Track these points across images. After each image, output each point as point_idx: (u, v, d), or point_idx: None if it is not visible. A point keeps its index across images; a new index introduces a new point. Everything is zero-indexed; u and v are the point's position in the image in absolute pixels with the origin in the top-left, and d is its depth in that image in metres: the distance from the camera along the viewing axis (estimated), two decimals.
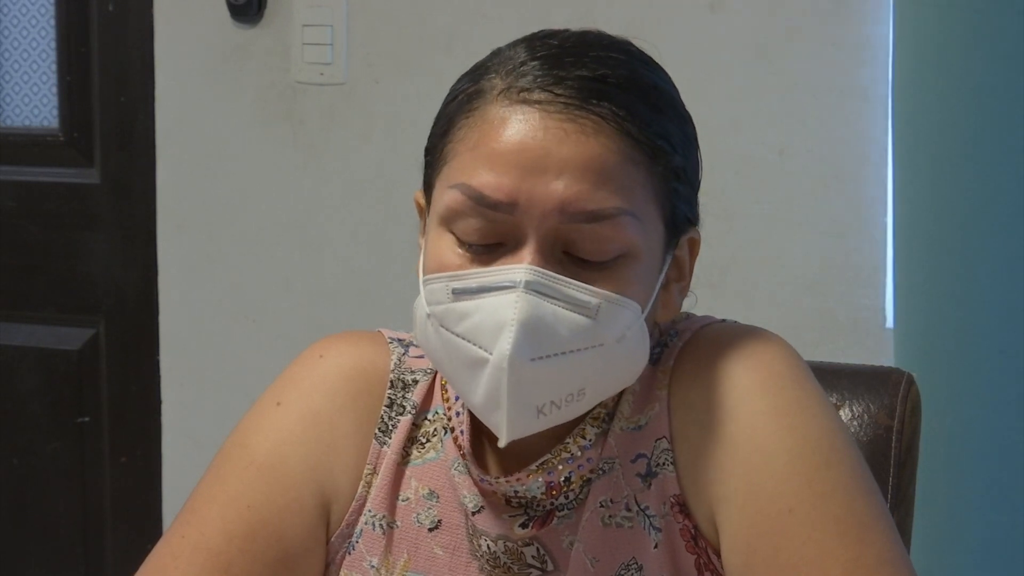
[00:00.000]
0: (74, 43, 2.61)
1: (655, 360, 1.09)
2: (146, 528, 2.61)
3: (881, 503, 1.01)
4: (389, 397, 1.14)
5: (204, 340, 2.54)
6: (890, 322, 2.06)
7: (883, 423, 1.29)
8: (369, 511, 1.11)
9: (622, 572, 1.05)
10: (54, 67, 2.66)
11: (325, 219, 2.43)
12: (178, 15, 2.50)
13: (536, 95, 1.01)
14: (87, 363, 2.67)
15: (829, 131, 2.11)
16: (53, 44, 2.65)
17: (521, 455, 1.07)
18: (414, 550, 1.10)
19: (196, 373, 2.56)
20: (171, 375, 2.58)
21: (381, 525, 1.11)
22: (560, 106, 1.00)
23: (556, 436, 1.06)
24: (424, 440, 1.13)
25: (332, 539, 1.11)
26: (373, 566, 1.10)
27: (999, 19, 1.74)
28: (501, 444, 1.00)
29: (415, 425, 1.14)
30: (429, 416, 1.14)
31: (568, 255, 1.01)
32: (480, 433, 1.09)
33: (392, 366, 1.15)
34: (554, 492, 1.07)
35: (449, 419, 1.12)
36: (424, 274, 1.05)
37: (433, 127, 1.08)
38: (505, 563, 1.07)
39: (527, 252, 1.00)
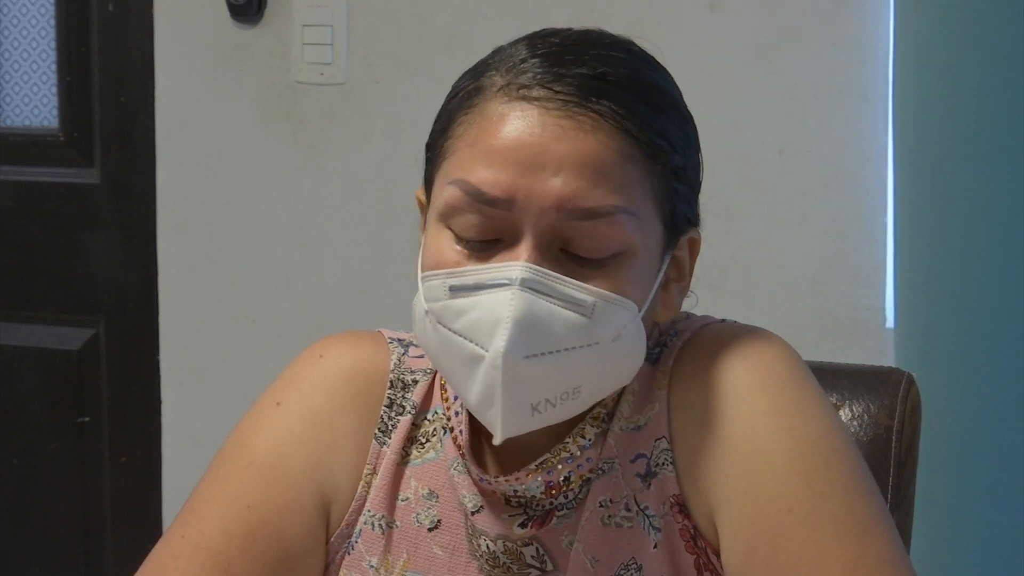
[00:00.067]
0: (74, 43, 2.61)
1: (655, 360, 1.09)
2: (146, 528, 2.61)
3: (881, 503, 1.01)
4: (389, 397, 1.14)
5: (204, 340, 2.54)
6: (890, 322, 2.06)
7: (883, 423, 1.29)
8: (369, 511, 1.11)
9: (621, 572, 1.05)
10: (54, 67, 2.66)
11: (325, 219, 2.43)
12: (178, 15, 2.50)
13: (535, 92, 1.01)
14: (87, 363, 2.67)
15: (829, 131, 2.11)
16: (53, 44, 2.65)
17: (520, 455, 1.07)
18: (413, 550, 1.10)
19: (196, 373, 2.56)
20: (171, 375, 2.58)
21: (380, 525, 1.11)
22: (559, 103, 1.00)
23: (556, 436, 1.06)
24: (424, 440, 1.13)
25: (332, 539, 1.11)
26: (372, 566, 1.10)
27: (999, 19, 1.74)
28: (496, 442, 1.01)
29: (415, 425, 1.14)
30: (429, 416, 1.14)
31: (565, 252, 1.01)
32: (479, 433, 1.08)
33: (392, 366, 1.15)
34: (553, 492, 1.07)
35: (448, 419, 1.12)
36: (422, 271, 1.05)
37: (434, 123, 1.08)
38: (504, 563, 1.07)
39: (523, 249, 1.00)
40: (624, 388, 1.08)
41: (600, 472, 1.07)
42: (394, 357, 1.16)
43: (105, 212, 2.61)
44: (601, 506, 1.06)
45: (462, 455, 1.10)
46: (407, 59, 2.35)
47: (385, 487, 1.12)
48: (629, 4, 2.19)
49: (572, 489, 1.07)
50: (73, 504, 2.70)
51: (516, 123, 1.00)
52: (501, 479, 1.07)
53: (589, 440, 1.07)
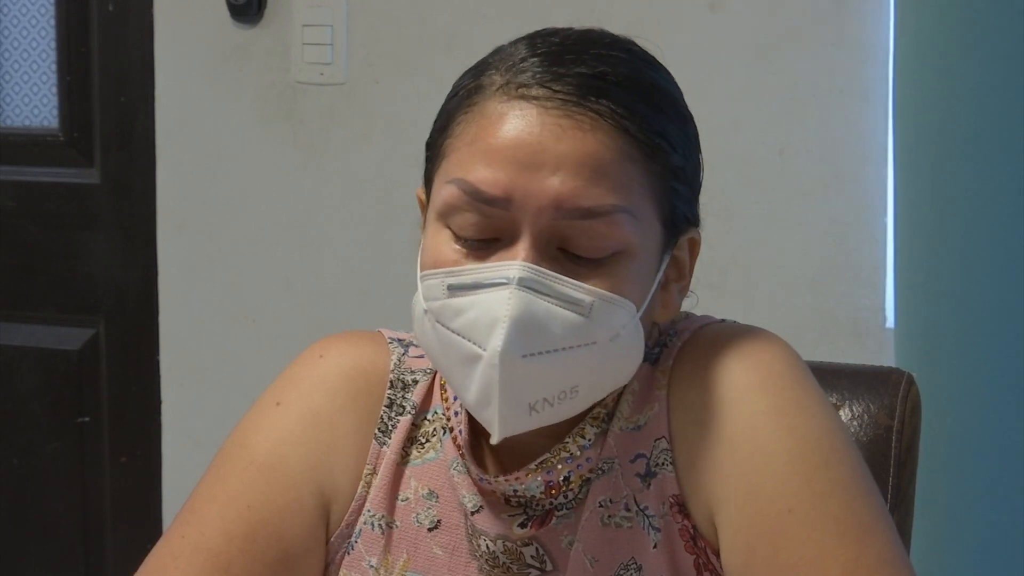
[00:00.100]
0: (74, 43, 2.61)
1: (654, 360, 1.09)
2: (146, 528, 2.61)
3: (880, 503, 1.01)
4: (389, 397, 1.14)
5: (204, 340, 2.54)
6: (890, 322, 2.06)
7: (883, 423, 1.29)
8: (368, 511, 1.11)
9: (621, 572, 1.05)
10: (54, 67, 2.66)
11: (325, 219, 2.43)
12: (178, 15, 2.50)
13: (534, 91, 1.01)
14: (87, 363, 2.67)
15: (829, 131, 2.11)
16: (53, 44, 2.65)
17: (520, 455, 1.07)
18: (413, 550, 1.10)
19: (196, 373, 2.56)
20: (171, 375, 2.58)
21: (380, 525, 1.11)
22: (558, 102, 1.00)
23: (555, 436, 1.06)
24: (424, 440, 1.13)
25: (332, 539, 1.11)
26: (372, 566, 1.10)
27: (999, 19, 1.74)
28: (493, 441, 1.01)
29: (415, 425, 1.14)
30: (429, 416, 1.14)
31: (563, 251, 1.01)
32: (479, 433, 1.08)
33: (392, 366, 1.15)
34: (553, 492, 1.07)
35: (448, 419, 1.12)
36: (421, 269, 1.05)
37: (434, 122, 1.09)
38: (504, 563, 1.07)
39: (521, 248, 1.00)
40: (624, 388, 1.08)
41: (600, 472, 1.07)
42: (394, 357, 1.16)
43: (105, 212, 2.62)
44: (601, 506, 1.06)
45: (462, 455, 1.10)
46: (407, 59, 2.35)
47: (385, 487, 1.12)
48: (629, 4, 2.19)
49: (572, 489, 1.07)
50: (73, 504, 2.70)
51: (515, 122, 1.01)
52: (501, 479, 1.07)
53: (589, 440, 1.07)
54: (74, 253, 2.64)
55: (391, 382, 1.15)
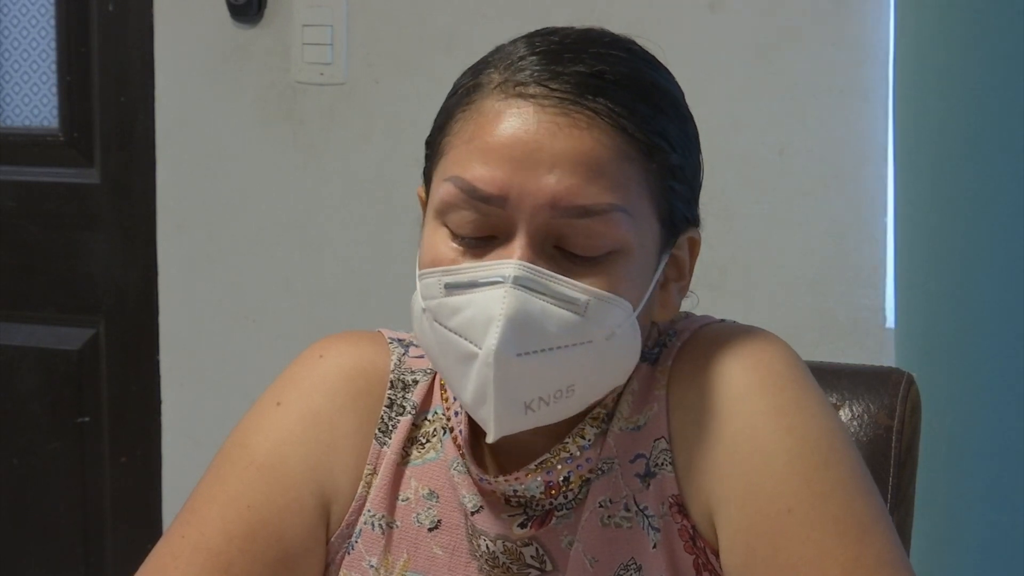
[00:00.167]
0: (74, 43, 2.61)
1: (654, 360, 1.09)
2: (146, 528, 2.61)
3: (880, 503, 1.01)
4: (389, 397, 1.14)
5: (204, 340, 2.54)
6: (890, 322, 2.06)
7: (883, 423, 1.29)
8: (369, 511, 1.11)
9: (621, 572, 1.05)
10: (54, 67, 2.66)
11: (325, 219, 2.43)
12: (178, 15, 2.50)
13: (532, 89, 1.01)
14: (87, 363, 2.67)
15: (829, 131, 2.11)
16: (53, 44, 2.65)
17: (520, 455, 1.07)
18: (414, 550, 1.10)
19: (196, 373, 2.56)
20: (171, 375, 2.58)
21: (381, 525, 1.11)
22: (555, 100, 1.00)
23: (555, 436, 1.06)
24: (424, 440, 1.13)
25: (332, 539, 1.11)
26: (372, 566, 1.10)
27: (999, 19, 1.74)
28: (489, 440, 1.01)
29: (415, 425, 1.14)
30: (429, 416, 1.14)
31: (560, 250, 1.01)
32: (479, 433, 1.08)
33: (392, 366, 1.15)
34: (553, 492, 1.07)
35: (448, 419, 1.12)
36: (420, 268, 1.05)
37: (434, 121, 1.09)
38: (504, 563, 1.07)
39: (517, 247, 1.00)
40: (624, 388, 1.08)
41: (600, 472, 1.07)
42: (394, 357, 1.16)
43: (105, 212, 2.61)
44: (600, 506, 1.06)
45: (462, 455, 1.10)
46: (407, 59, 2.35)
47: (385, 487, 1.12)
48: (629, 4, 2.19)
49: (572, 489, 1.07)
50: (73, 504, 2.70)
51: (511, 120, 1.01)
52: (501, 479, 1.07)
53: (588, 440, 1.07)
54: (74, 253, 2.64)
55: (391, 382, 1.15)
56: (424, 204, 1.11)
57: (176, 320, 2.56)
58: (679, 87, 1.09)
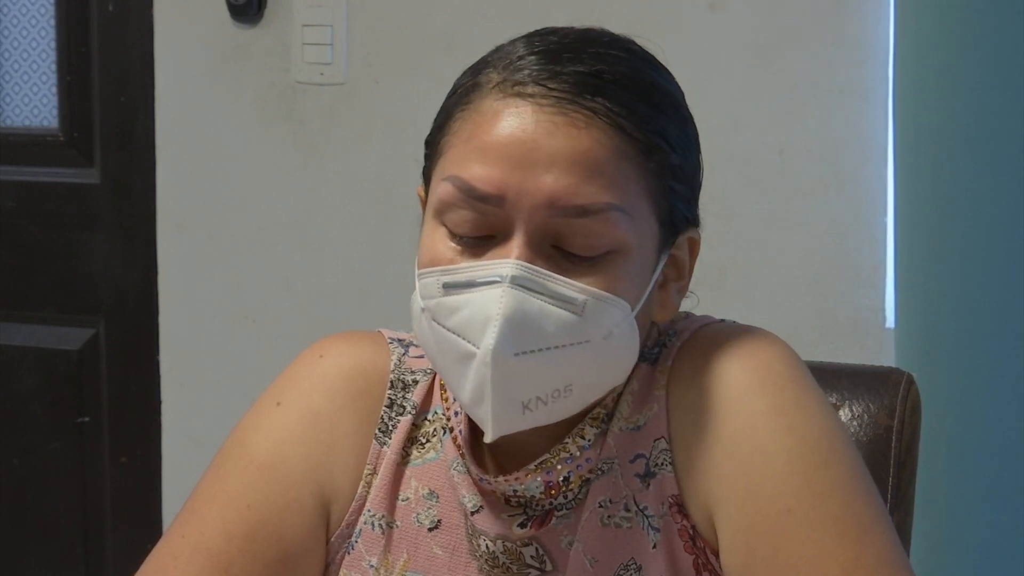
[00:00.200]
0: (74, 43, 2.61)
1: (654, 360, 1.09)
2: (146, 528, 2.61)
3: (880, 503, 1.01)
4: (389, 397, 1.14)
5: (204, 340, 2.54)
6: (890, 322, 2.06)
7: (883, 423, 1.29)
8: (369, 511, 1.11)
9: (621, 572, 1.05)
10: (54, 67, 2.66)
11: (325, 219, 2.43)
12: (178, 15, 2.50)
13: (530, 89, 1.01)
14: (87, 363, 2.67)
15: (829, 131, 2.11)
16: (53, 44, 2.65)
17: (520, 455, 1.07)
18: (413, 550, 1.10)
19: (196, 373, 2.56)
20: (171, 375, 2.58)
21: (381, 525, 1.11)
22: (553, 100, 1.00)
23: (555, 436, 1.06)
24: (424, 440, 1.13)
25: (332, 539, 1.11)
26: (372, 566, 1.10)
27: (999, 19, 1.74)
28: (487, 439, 1.01)
29: (415, 425, 1.14)
30: (429, 416, 1.14)
31: (558, 249, 1.01)
32: (479, 433, 1.08)
33: (392, 366, 1.15)
34: (553, 492, 1.07)
35: (448, 419, 1.12)
36: (419, 267, 1.05)
37: (434, 121, 1.09)
38: (504, 563, 1.07)
39: (515, 246, 1.00)
40: (623, 388, 1.08)
41: (599, 472, 1.07)
42: (394, 357, 1.16)
43: (105, 212, 2.62)
44: (600, 506, 1.06)
45: (462, 455, 1.10)
46: (407, 59, 2.35)
47: (385, 487, 1.12)
48: (629, 4, 2.19)
49: (571, 489, 1.07)
50: (73, 504, 2.70)
51: (509, 119, 1.01)
52: (501, 479, 1.07)
53: (588, 440, 1.07)
54: (74, 253, 2.64)
55: (391, 382, 1.15)
56: (424, 204, 1.11)
57: (176, 320, 2.56)
58: (679, 87, 1.09)
